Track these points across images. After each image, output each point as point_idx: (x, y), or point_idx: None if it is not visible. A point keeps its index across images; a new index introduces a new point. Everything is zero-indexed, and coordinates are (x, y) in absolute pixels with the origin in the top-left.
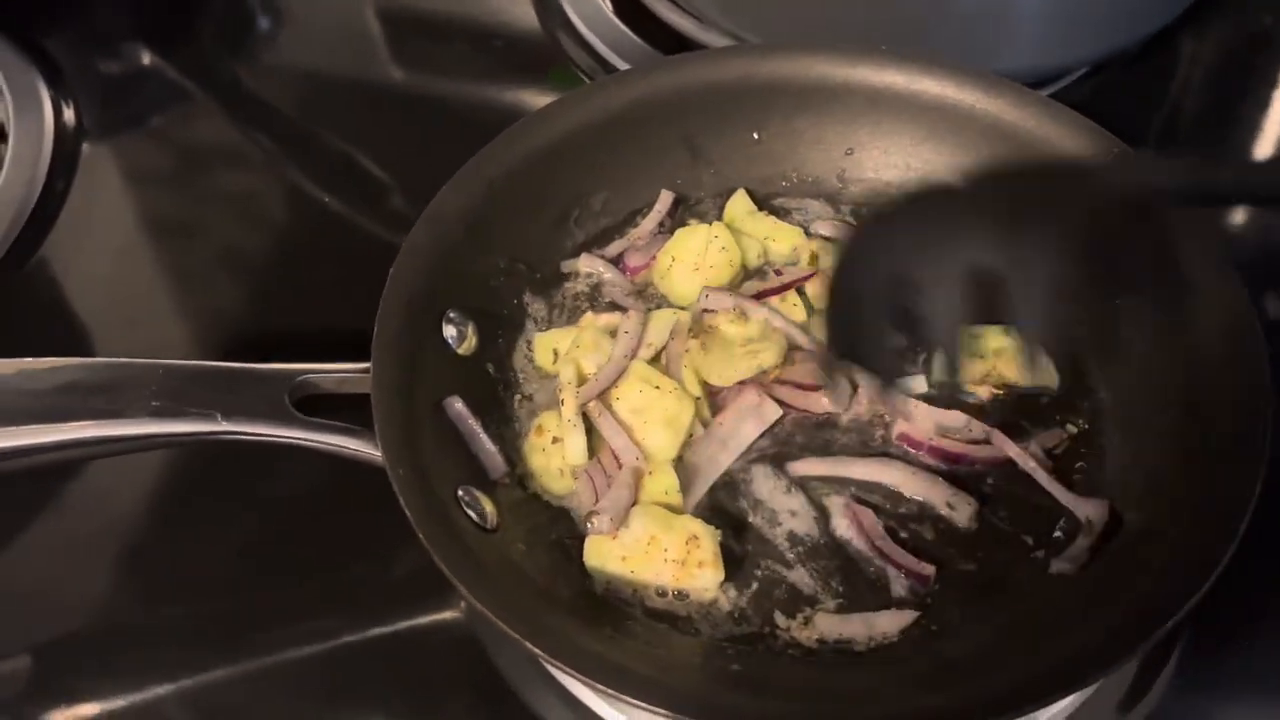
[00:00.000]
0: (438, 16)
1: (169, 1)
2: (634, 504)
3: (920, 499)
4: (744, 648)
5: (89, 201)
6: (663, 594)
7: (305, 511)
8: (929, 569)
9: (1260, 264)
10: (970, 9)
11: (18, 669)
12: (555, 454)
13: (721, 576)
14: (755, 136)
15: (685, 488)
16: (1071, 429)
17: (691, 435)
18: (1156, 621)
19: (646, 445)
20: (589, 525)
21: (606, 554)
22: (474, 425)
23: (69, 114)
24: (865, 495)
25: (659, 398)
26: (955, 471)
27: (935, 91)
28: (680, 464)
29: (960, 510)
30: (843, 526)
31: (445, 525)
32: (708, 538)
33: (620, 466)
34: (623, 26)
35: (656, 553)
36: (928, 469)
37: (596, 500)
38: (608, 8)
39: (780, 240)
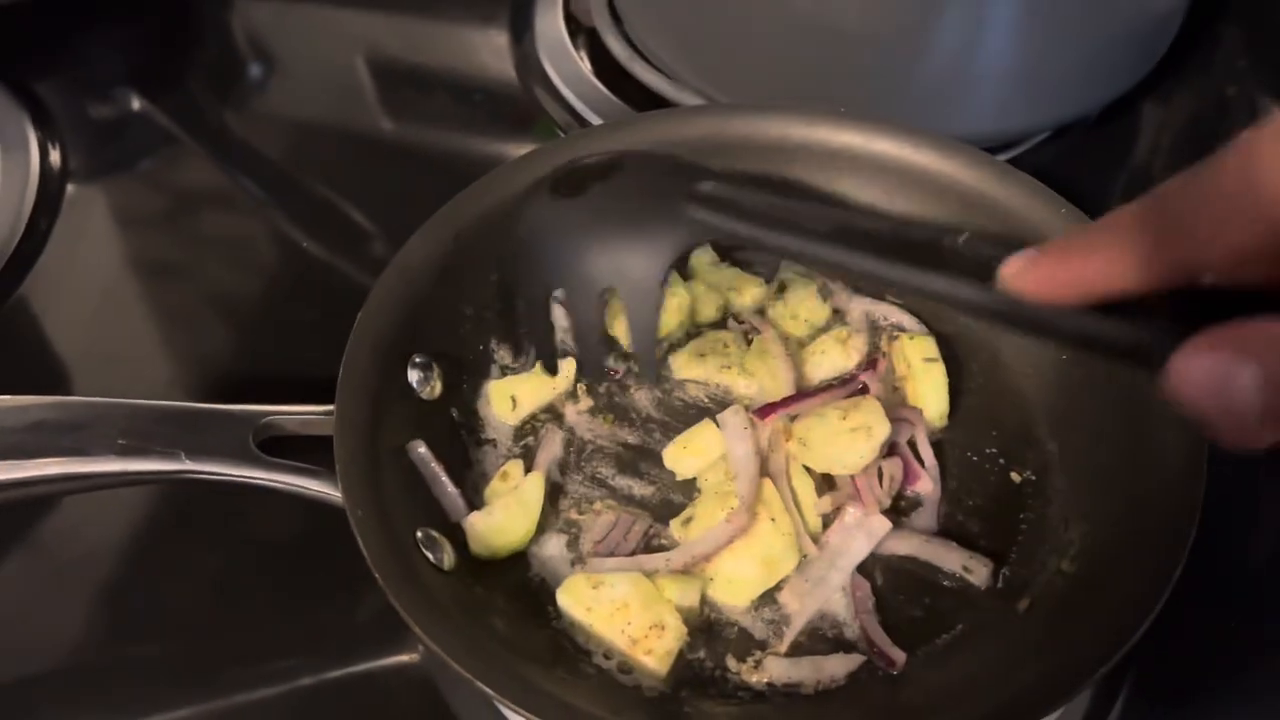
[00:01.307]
0: (424, 69)
1: (160, 47)
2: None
3: (935, 564)
4: (695, 690)
5: (71, 242)
6: (609, 657)
7: (275, 551)
8: (899, 656)
9: None
10: (931, 75)
11: None
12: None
13: (663, 673)
14: None
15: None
16: (1016, 478)
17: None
18: (1095, 664)
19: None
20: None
21: (578, 597)
22: (436, 469)
23: (55, 156)
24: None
25: (763, 533)
26: None
27: (891, 152)
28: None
29: (977, 572)
30: (836, 599)
31: (403, 566)
32: (672, 635)
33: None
34: (599, 85)
35: (620, 620)
36: (938, 534)
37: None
38: (585, 66)
39: (743, 292)
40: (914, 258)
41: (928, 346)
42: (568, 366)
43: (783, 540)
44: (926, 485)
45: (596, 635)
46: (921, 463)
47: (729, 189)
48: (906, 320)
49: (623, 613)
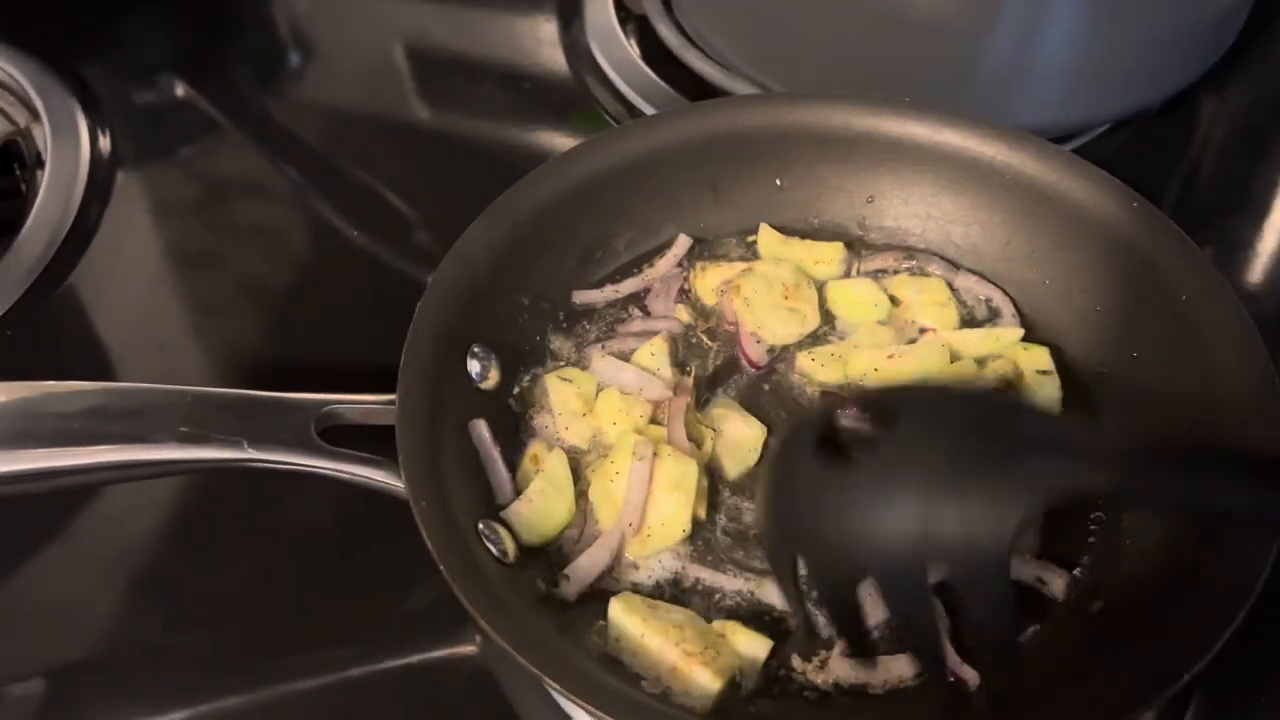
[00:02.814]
0: (467, 56)
1: (203, 34)
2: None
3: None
4: (760, 689)
5: (121, 229)
6: (654, 673)
7: (323, 540)
8: (972, 676)
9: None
10: (995, 65)
11: (31, 691)
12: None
13: (714, 690)
14: (778, 182)
15: None
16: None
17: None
18: (1176, 671)
19: (658, 514)
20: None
21: (632, 610)
22: (493, 451)
23: (104, 142)
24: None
25: (658, 464)
26: None
27: (957, 143)
28: None
29: (1053, 582)
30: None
31: (465, 557)
32: (729, 655)
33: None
34: (650, 73)
35: (674, 636)
36: None
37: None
38: (636, 54)
39: (826, 260)
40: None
41: (1042, 358)
42: None
43: (679, 465)
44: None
45: (646, 650)
46: None
47: (1061, 424)
48: (1004, 305)
49: (679, 631)
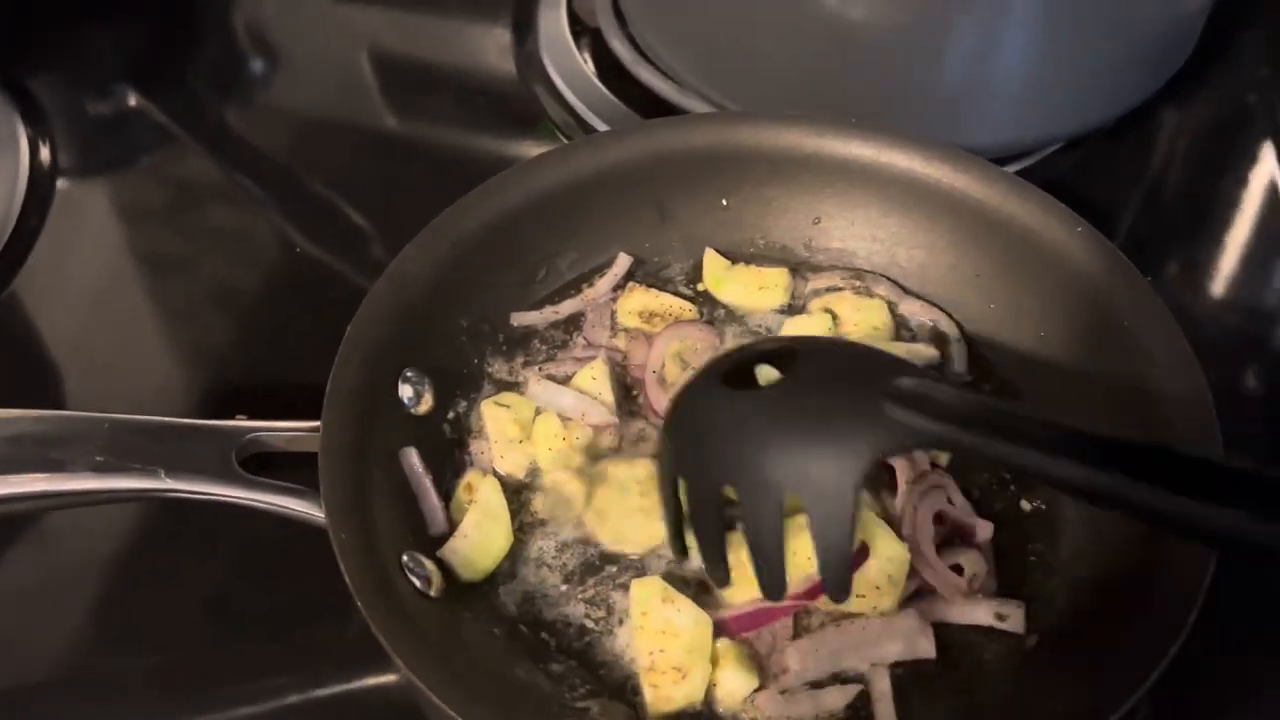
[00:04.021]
0: (427, 66)
1: (160, 43)
2: None
3: (965, 623)
4: None
5: (62, 242)
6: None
7: (264, 566)
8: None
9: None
10: (947, 84)
11: None
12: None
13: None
14: (724, 202)
15: None
16: (1026, 506)
17: None
18: (1109, 707)
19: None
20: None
21: (648, 594)
22: (425, 480)
23: (45, 152)
24: None
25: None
26: None
27: (902, 165)
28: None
29: (1012, 615)
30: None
31: (385, 591)
32: (684, 691)
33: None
34: (602, 88)
35: (660, 642)
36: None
37: None
38: (589, 69)
39: (771, 285)
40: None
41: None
42: None
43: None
44: (987, 530)
45: (633, 637)
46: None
47: (929, 384)
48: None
49: (667, 638)
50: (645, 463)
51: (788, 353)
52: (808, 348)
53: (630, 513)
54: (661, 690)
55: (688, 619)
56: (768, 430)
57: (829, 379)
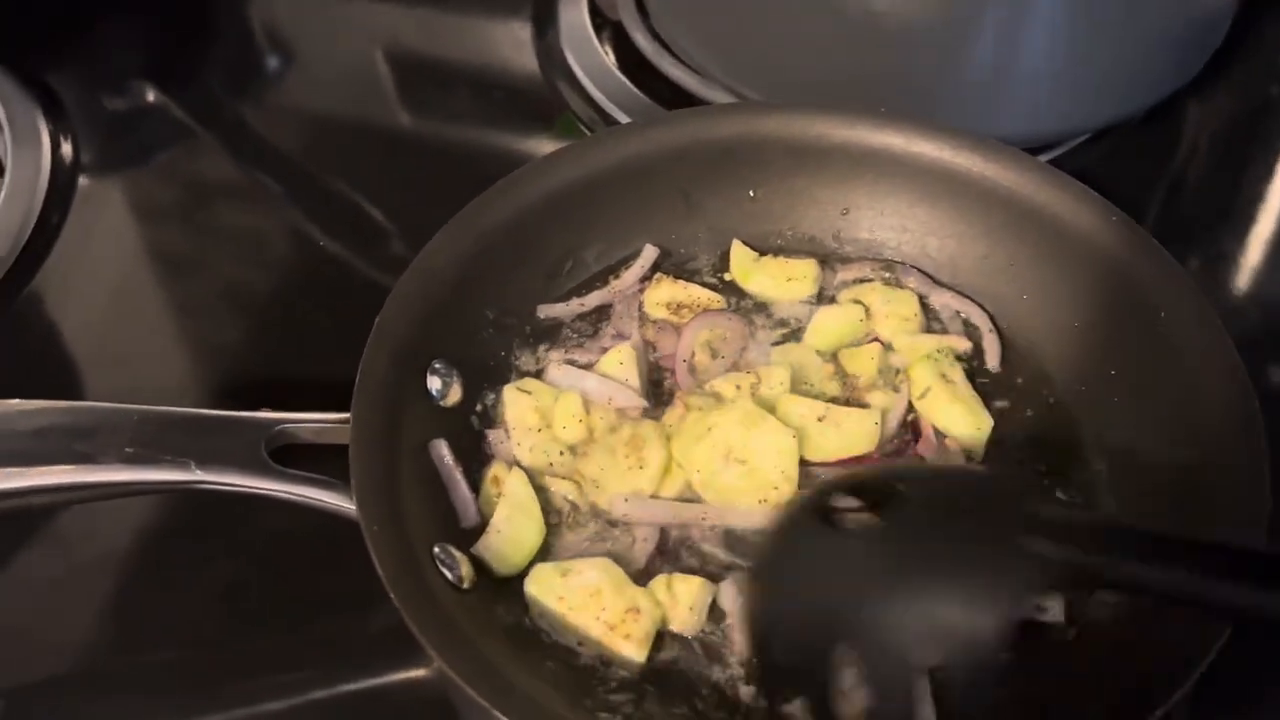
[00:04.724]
0: (445, 63)
1: (177, 40)
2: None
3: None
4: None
5: (83, 238)
6: (582, 645)
7: (288, 559)
8: None
9: (1262, 336)
10: (974, 74)
11: None
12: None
13: (641, 659)
14: (751, 194)
15: None
16: (1062, 498)
17: None
18: (1152, 701)
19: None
20: None
21: (548, 588)
22: (455, 472)
23: (67, 148)
24: None
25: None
26: None
27: (932, 154)
28: None
29: (1052, 608)
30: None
31: (418, 583)
32: (647, 618)
33: None
34: (625, 80)
35: (594, 607)
36: None
37: None
38: (610, 61)
39: (799, 277)
40: None
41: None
42: None
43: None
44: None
45: (570, 625)
46: None
47: (1068, 511)
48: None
49: (596, 600)
50: (630, 425)
51: (886, 484)
52: (911, 475)
53: (624, 474)
54: (634, 635)
55: (595, 571)
56: (894, 579)
57: (949, 513)
